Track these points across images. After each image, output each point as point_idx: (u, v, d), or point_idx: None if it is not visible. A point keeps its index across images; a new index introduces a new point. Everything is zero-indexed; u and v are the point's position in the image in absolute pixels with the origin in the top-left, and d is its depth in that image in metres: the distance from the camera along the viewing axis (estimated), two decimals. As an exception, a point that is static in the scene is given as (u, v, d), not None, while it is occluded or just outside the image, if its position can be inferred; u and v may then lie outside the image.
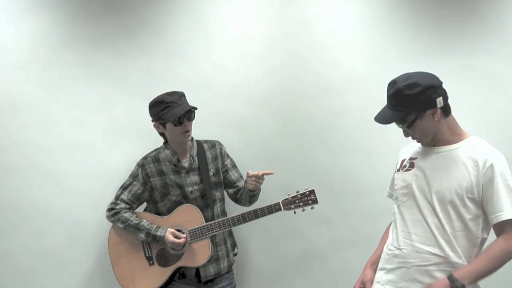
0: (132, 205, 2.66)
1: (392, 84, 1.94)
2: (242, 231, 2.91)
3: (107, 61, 2.92)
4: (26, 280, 2.90)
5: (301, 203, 2.51)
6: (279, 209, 2.50)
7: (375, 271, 2.13)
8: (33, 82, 2.90)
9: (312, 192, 2.52)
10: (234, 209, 2.74)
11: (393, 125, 2.83)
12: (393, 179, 2.17)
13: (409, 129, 1.95)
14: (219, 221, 2.54)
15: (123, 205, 2.63)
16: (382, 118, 1.98)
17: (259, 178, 2.53)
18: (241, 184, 2.74)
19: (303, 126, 2.94)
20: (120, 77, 2.93)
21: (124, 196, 2.64)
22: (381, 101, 2.87)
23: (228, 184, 2.76)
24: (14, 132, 2.90)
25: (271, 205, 2.51)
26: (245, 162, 2.89)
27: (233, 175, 2.75)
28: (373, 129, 2.89)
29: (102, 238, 2.78)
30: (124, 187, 2.66)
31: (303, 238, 2.94)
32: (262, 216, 2.51)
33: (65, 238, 2.91)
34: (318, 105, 2.93)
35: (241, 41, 2.94)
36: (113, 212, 2.63)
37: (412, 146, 2.12)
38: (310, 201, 2.51)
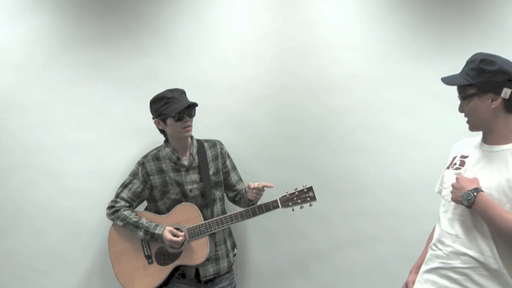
0: (132, 203, 2.66)
1: (476, 53, 1.88)
2: (242, 231, 2.91)
3: (107, 61, 2.95)
4: (26, 279, 2.92)
5: (299, 200, 2.49)
6: (277, 206, 2.49)
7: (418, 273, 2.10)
8: (34, 82, 2.93)
9: (310, 189, 2.50)
10: (234, 209, 2.73)
11: (394, 124, 2.88)
12: (442, 176, 2.09)
13: (464, 102, 1.87)
14: (217, 219, 2.54)
15: (122, 203, 2.64)
16: (448, 78, 1.90)
17: (260, 190, 2.53)
18: (240, 187, 2.75)
19: (304, 125, 2.93)
20: (119, 76, 2.95)
21: (124, 194, 2.65)
22: (380, 100, 2.91)
23: (227, 186, 2.76)
24: (15, 132, 2.93)
25: (268, 203, 2.50)
26: (246, 161, 2.91)
27: (233, 177, 2.76)
28: (373, 128, 2.90)
29: (102, 237, 2.79)
30: (124, 185, 2.67)
31: (303, 238, 2.92)
32: (260, 213, 2.50)
33: (66, 237, 2.92)
34: (319, 104, 2.92)
35: (242, 40, 2.95)
36: (112, 210, 2.64)
37: (465, 143, 2.04)
38: (308, 198, 2.50)
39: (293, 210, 2.51)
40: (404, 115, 2.88)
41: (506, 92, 1.79)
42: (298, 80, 2.93)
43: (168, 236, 2.51)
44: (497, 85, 1.79)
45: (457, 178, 1.87)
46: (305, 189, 2.51)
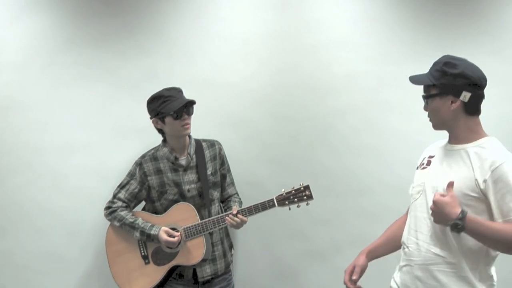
0: (129, 203, 2.65)
1: (443, 56, 1.95)
2: (242, 231, 2.84)
3: (108, 61, 2.94)
4: (24, 279, 2.92)
5: (296, 199, 2.45)
6: (273, 205, 2.45)
7: (369, 258, 2.15)
8: (34, 82, 2.93)
9: (307, 187, 2.45)
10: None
11: (394, 124, 2.84)
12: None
13: (427, 101, 1.95)
14: (213, 219, 2.51)
15: (120, 203, 2.63)
16: (415, 77, 1.98)
17: (238, 224, 2.50)
18: (230, 190, 2.76)
19: (304, 125, 2.90)
20: (120, 76, 2.94)
21: (121, 195, 2.64)
22: (380, 99, 2.87)
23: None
24: (16, 131, 2.93)
25: (265, 202, 2.46)
26: (246, 161, 2.90)
27: (226, 180, 2.75)
28: (373, 127, 2.88)
29: (103, 237, 2.77)
30: (121, 186, 2.66)
31: (303, 238, 2.89)
32: (256, 212, 2.46)
33: (66, 237, 2.92)
34: (319, 104, 2.89)
35: (242, 40, 2.93)
36: (110, 211, 2.63)
37: (435, 144, 2.10)
38: (305, 197, 2.44)
39: (289, 209, 2.46)
40: (404, 115, 2.84)
41: (465, 96, 1.86)
42: (299, 79, 2.90)
43: (164, 236, 2.49)
44: (457, 88, 1.86)
45: (434, 202, 1.81)
46: (302, 188, 2.46)
